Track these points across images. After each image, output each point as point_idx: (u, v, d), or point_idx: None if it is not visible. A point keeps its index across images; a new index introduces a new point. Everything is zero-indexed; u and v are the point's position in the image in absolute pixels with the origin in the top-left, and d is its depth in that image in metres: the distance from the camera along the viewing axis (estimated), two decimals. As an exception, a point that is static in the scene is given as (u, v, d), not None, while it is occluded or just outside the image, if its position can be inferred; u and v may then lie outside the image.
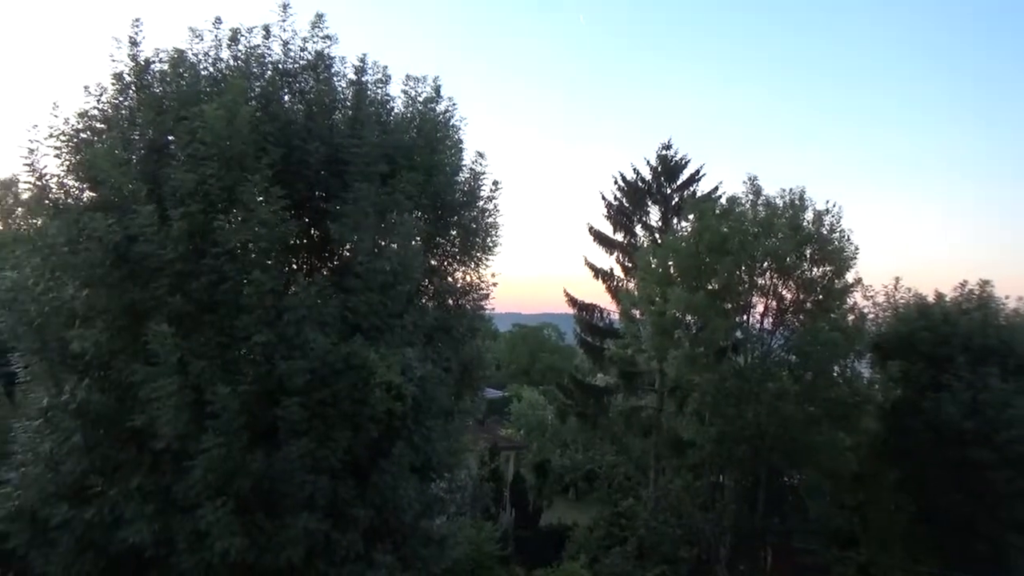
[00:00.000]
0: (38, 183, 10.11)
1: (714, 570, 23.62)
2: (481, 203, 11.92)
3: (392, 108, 11.55)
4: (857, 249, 23.65)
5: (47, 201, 10.10)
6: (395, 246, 10.43)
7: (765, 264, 23.97)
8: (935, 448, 21.87)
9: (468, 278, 12.11)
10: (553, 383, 38.17)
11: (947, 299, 24.62)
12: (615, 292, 29.19)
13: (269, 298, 9.52)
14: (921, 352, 22.92)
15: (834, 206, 23.82)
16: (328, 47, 11.14)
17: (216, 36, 10.89)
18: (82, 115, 10.32)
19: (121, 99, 10.56)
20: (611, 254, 29.79)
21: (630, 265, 28.78)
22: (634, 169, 29.81)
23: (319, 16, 11.02)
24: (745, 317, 24.82)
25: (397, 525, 10.83)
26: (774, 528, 24.64)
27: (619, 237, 29.79)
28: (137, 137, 10.40)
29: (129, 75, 10.58)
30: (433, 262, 11.74)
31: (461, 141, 11.92)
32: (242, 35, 10.95)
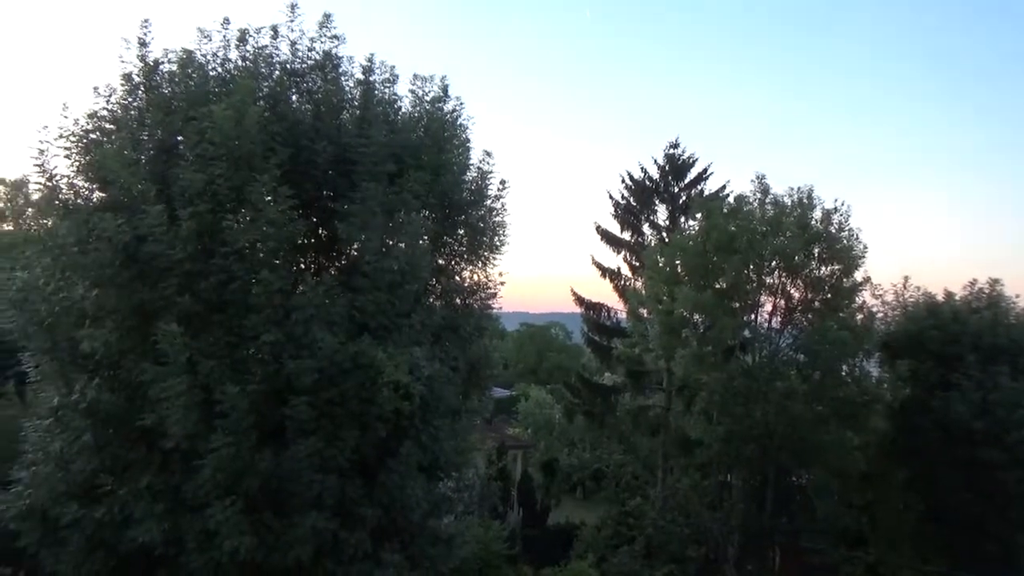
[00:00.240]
0: (48, 184, 10.15)
1: (722, 569, 23.57)
2: (488, 202, 11.92)
3: (400, 107, 11.57)
4: (866, 248, 23.58)
5: (57, 202, 10.14)
6: (403, 245, 10.45)
7: (773, 263, 23.88)
8: (944, 447, 21.78)
9: (475, 277, 12.12)
10: (560, 382, 38.23)
11: (957, 298, 24.51)
12: (622, 291, 29.18)
13: (277, 298, 9.55)
14: (930, 351, 22.81)
15: (842, 204, 23.77)
16: (336, 47, 11.18)
17: (224, 37, 10.94)
18: (91, 116, 10.37)
19: (130, 100, 10.60)
20: (618, 253, 29.82)
21: (637, 264, 28.75)
22: (642, 168, 29.82)
23: (327, 16, 11.07)
24: (753, 316, 24.74)
25: (405, 524, 10.84)
26: (782, 527, 24.56)
27: (626, 236, 29.77)
28: (146, 137, 10.45)
29: (138, 76, 10.63)
30: (440, 261, 11.76)
31: (468, 140, 11.93)
32: (250, 35, 10.99)
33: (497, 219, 11.97)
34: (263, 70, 10.82)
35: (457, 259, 12.05)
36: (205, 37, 10.89)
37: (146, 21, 10.64)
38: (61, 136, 10.12)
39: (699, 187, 29.44)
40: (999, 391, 21.23)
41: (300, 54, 11.10)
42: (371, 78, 11.26)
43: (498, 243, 12.00)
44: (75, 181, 10.29)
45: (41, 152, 10.03)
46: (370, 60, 11.29)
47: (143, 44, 10.60)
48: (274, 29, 11.01)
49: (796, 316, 24.24)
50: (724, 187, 28.99)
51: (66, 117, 10.19)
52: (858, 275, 23.60)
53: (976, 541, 21.57)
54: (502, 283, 12.19)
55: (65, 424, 10.12)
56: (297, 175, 10.16)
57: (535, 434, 39.61)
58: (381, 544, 10.41)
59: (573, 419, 32.82)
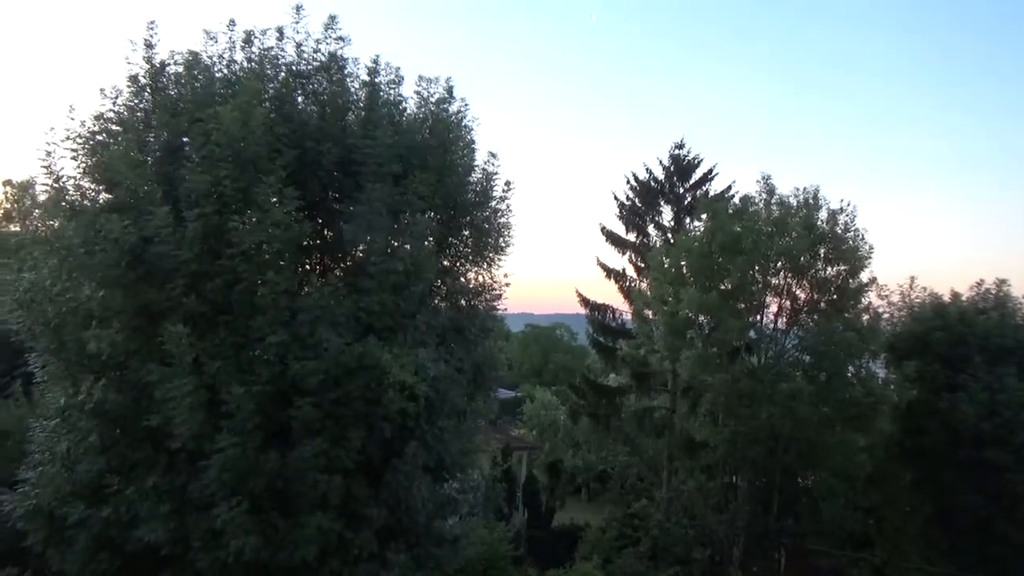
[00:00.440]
0: (55, 185, 10.19)
1: (727, 571, 23.53)
2: (493, 203, 11.91)
3: (405, 109, 11.56)
4: (872, 248, 23.53)
5: (64, 203, 10.17)
6: (408, 246, 10.44)
7: (779, 264, 23.85)
8: (951, 449, 21.71)
9: (481, 278, 12.10)
10: (565, 383, 38.09)
11: (963, 298, 24.46)
12: (627, 292, 29.12)
13: (283, 299, 9.57)
14: (937, 352, 22.75)
15: (848, 205, 23.74)
16: (341, 48, 11.16)
17: (230, 38, 10.95)
18: (98, 117, 10.39)
19: (136, 101, 10.63)
20: (623, 254, 29.74)
21: (642, 265, 28.70)
22: (647, 169, 29.77)
23: (332, 18, 11.05)
24: (758, 317, 24.70)
25: (410, 525, 10.85)
26: (788, 529, 24.48)
27: (631, 237, 29.72)
28: (152, 139, 10.48)
29: (144, 77, 10.65)
30: (446, 262, 11.75)
31: (473, 141, 11.92)
32: (256, 37, 11.00)
33: (502, 220, 11.97)
34: (269, 72, 10.83)
35: (462, 260, 12.05)
36: (211, 39, 10.91)
37: (152, 23, 10.66)
38: (68, 138, 10.16)
39: (704, 188, 29.35)
40: (1006, 392, 21.16)
41: (306, 55, 11.11)
42: (376, 79, 11.27)
43: (503, 244, 11.99)
44: (82, 182, 10.33)
45: (48, 154, 10.09)
46: (375, 61, 11.31)
47: (149, 46, 10.62)
48: (280, 31, 11.01)
49: (802, 317, 24.20)
50: (730, 188, 28.90)
51: (73, 119, 10.24)
52: (864, 276, 23.60)
53: (983, 543, 21.48)
54: (507, 284, 12.17)
55: (72, 424, 10.16)
56: (303, 176, 10.17)
57: (540, 435, 39.60)
58: (386, 544, 10.42)
59: (578, 420, 32.75)
